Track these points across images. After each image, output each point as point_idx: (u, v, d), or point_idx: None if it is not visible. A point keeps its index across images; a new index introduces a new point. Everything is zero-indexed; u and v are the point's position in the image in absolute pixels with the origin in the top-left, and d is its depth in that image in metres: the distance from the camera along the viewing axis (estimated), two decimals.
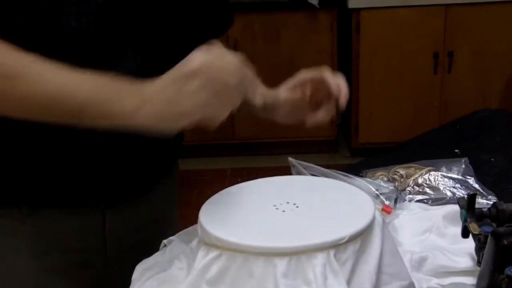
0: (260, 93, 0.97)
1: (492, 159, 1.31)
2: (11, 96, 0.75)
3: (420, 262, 0.89)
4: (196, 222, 0.83)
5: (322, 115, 0.97)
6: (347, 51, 3.33)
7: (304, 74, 0.98)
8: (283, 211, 0.81)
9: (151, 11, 0.89)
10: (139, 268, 0.90)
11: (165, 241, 0.95)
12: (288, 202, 0.83)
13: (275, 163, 3.01)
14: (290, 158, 1.09)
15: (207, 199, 0.86)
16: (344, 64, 3.34)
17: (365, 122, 3.35)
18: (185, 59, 0.76)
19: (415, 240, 0.81)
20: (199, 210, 0.89)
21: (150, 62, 0.90)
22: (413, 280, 0.83)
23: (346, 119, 3.53)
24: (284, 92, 0.99)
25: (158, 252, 0.93)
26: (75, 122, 0.78)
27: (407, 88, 3.30)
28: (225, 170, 3.28)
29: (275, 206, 0.82)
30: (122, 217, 0.99)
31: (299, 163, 1.08)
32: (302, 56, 3.22)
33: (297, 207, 0.82)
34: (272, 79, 0.98)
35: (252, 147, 3.44)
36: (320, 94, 0.96)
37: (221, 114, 0.77)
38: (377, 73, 3.27)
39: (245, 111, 0.97)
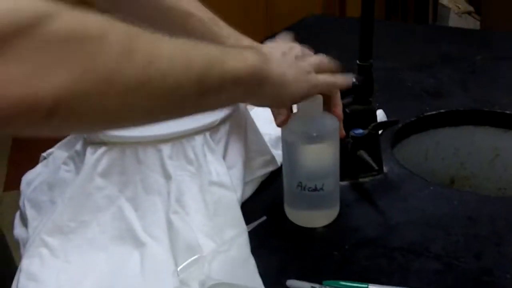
0: None
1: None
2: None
3: (276, 142, 1.02)
4: None
5: None
6: None
7: None
8: None
9: None
10: (25, 179, 0.96)
11: (44, 154, 1.00)
12: None
13: None
14: None
15: (54, 136, 0.88)
16: None
17: None
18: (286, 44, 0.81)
19: (269, 125, 0.93)
20: (48, 148, 0.94)
21: None
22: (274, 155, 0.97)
23: None
24: None
25: (39, 164, 0.99)
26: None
27: (233, 6, 3.44)
28: None
29: None
30: None
31: None
32: None
33: None
34: None
35: None
36: None
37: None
38: None
39: None
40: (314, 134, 0.82)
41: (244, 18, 3.46)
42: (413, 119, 1.17)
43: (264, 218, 0.86)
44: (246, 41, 0.88)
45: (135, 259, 0.79)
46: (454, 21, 3.03)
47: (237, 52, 0.68)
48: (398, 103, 1.22)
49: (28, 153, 1.12)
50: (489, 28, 2.57)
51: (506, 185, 1.22)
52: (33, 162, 1.01)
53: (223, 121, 0.87)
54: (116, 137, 0.82)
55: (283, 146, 0.86)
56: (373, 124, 0.93)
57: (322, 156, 0.84)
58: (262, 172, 0.94)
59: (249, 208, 0.89)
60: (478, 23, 2.74)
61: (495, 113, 1.19)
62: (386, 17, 3.43)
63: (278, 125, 0.84)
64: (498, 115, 1.19)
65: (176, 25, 0.88)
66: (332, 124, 0.84)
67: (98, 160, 0.82)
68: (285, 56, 0.78)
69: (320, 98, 0.81)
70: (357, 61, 0.92)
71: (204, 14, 0.88)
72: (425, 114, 1.18)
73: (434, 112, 1.19)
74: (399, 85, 1.31)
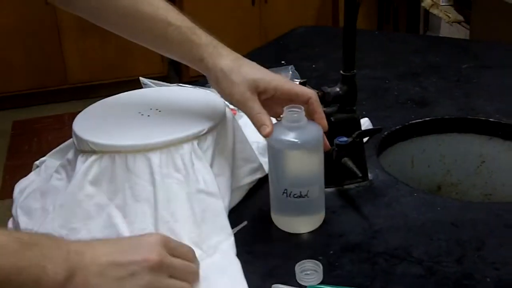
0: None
1: (314, 66, 1.50)
2: None
3: (264, 149, 1.03)
4: None
5: None
6: None
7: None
8: (148, 115, 0.92)
9: None
10: (18, 187, 0.98)
11: (36, 162, 1.02)
12: (151, 109, 0.94)
13: None
14: (141, 78, 1.19)
15: (48, 145, 0.92)
16: None
17: None
18: (141, 241, 0.73)
19: (258, 134, 0.95)
20: (41, 156, 0.94)
21: None
22: (261, 162, 0.99)
23: None
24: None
25: (32, 172, 1.01)
26: None
27: (228, 20, 3.47)
28: (62, 116, 3.27)
29: (140, 113, 0.93)
30: None
31: (150, 81, 1.19)
32: None
33: (159, 111, 0.94)
34: None
35: (86, 91, 3.44)
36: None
37: None
38: (200, 7, 3.40)
39: None
40: (299, 142, 0.84)
41: (238, 28, 3.50)
42: (399, 127, 1.19)
43: (245, 223, 0.88)
44: (224, 49, 0.90)
45: None
46: (445, 30, 3.06)
47: (37, 268, 0.64)
48: (384, 112, 1.24)
49: (23, 162, 1.13)
50: (478, 37, 2.60)
51: (492, 191, 1.24)
52: (28, 170, 1.02)
53: (211, 130, 0.89)
54: (106, 146, 0.84)
55: (268, 154, 0.89)
56: (357, 132, 0.95)
57: (306, 163, 0.87)
58: (249, 179, 0.96)
59: (236, 215, 0.91)
60: (469, 32, 2.78)
61: (480, 120, 1.21)
62: (378, 26, 3.47)
63: (264, 136, 0.86)
64: (482, 123, 1.21)
65: (155, 34, 0.91)
66: (316, 131, 0.87)
67: (89, 168, 0.84)
68: (106, 272, 0.69)
69: (302, 108, 0.84)
70: (341, 71, 0.95)
71: (182, 23, 0.90)
72: (411, 122, 1.21)
73: (419, 120, 1.21)
74: (386, 94, 1.34)
